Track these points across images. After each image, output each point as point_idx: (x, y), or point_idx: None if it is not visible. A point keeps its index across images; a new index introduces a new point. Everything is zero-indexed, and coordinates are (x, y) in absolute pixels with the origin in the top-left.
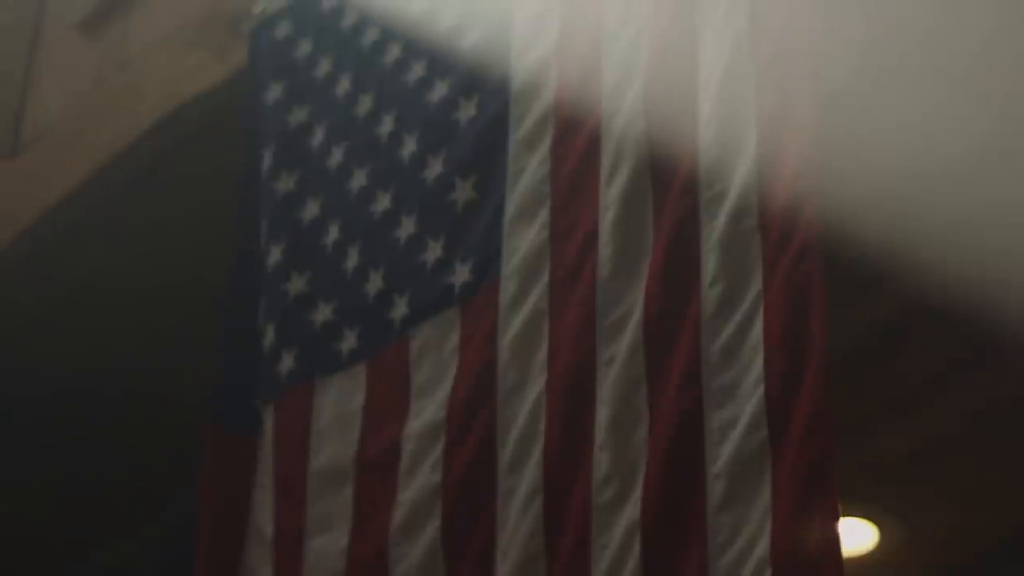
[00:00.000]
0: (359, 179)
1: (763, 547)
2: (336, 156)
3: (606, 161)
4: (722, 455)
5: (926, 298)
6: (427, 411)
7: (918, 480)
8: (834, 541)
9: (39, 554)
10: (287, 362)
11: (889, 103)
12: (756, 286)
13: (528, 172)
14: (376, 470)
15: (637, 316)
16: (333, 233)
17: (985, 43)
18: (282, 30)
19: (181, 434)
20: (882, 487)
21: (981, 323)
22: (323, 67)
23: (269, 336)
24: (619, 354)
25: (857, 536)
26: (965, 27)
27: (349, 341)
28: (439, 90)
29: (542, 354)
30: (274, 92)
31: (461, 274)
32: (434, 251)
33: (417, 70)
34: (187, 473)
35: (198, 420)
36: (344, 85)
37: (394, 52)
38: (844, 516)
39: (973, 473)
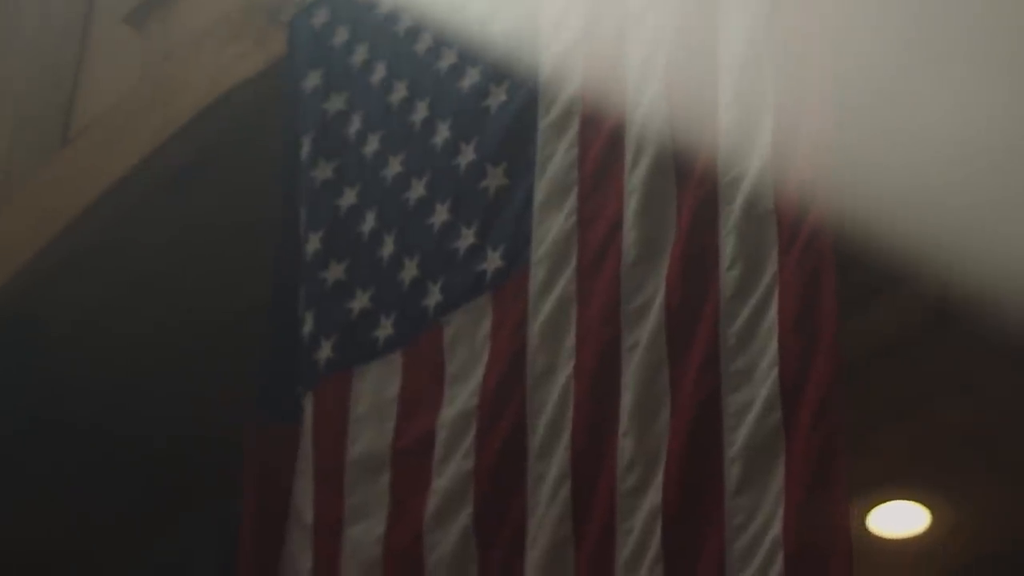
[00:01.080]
0: (394, 166)
1: (776, 529)
2: (372, 144)
3: (630, 147)
4: (738, 439)
5: (972, 281)
6: (460, 398)
7: (969, 463)
8: (844, 522)
9: (94, 552)
10: (325, 350)
11: (911, 90)
12: (772, 268)
13: (556, 158)
14: (411, 458)
15: (659, 301)
16: (370, 221)
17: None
18: (320, 18)
19: (230, 428)
20: (933, 470)
21: None
22: (359, 54)
23: (308, 324)
24: (642, 339)
25: (909, 519)
26: (996, 12)
27: (385, 329)
28: (470, 77)
29: (570, 340)
30: (312, 80)
31: (493, 261)
32: (467, 238)
33: (449, 57)
34: (235, 465)
35: (245, 412)
36: (380, 72)
37: (427, 39)
38: (896, 499)
39: (1022, 455)
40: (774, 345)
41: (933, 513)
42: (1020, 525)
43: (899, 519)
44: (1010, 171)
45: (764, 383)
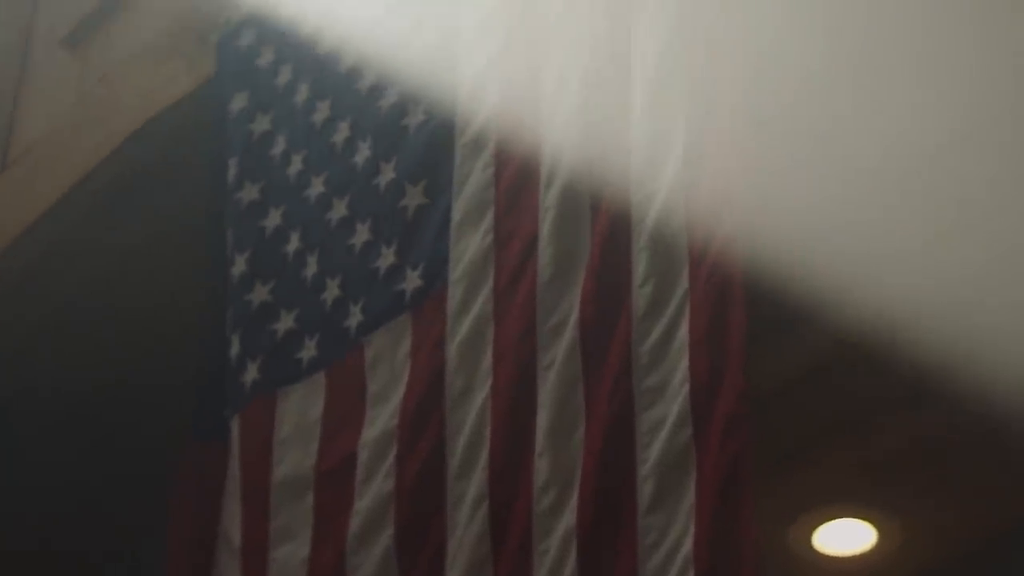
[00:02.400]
0: (317, 187)
1: (688, 547)
2: (296, 164)
3: (545, 165)
4: (651, 456)
5: (915, 297)
6: (381, 419)
7: (914, 480)
8: (751, 540)
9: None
10: (251, 373)
11: (826, 103)
12: (683, 286)
13: (473, 177)
14: (335, 479)
15: (574, 319)
16: (294, 242)
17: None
18: (246, 39)
19: (169, 447)
20: (879, 487)
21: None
22: (284, 75)
23: (235, 346)
24: (558, 358)
25: (855, 536)
26: (918, 23)
27: (309, 350)
28: (390, 97)
29: (487, 360)
30: (239, 101)
31: (412, 280)
32: (387, 258)
33: (369, 77)
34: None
35: (178, 435)
36: (303, 93)
37: (348, 60)
38: (842, 517)
39: (968, 472)
40: (685, 362)
41: (879, 530)
42: (966, 542)
43: (845, 537)
44: (929, 187)
45: (676, 400)
